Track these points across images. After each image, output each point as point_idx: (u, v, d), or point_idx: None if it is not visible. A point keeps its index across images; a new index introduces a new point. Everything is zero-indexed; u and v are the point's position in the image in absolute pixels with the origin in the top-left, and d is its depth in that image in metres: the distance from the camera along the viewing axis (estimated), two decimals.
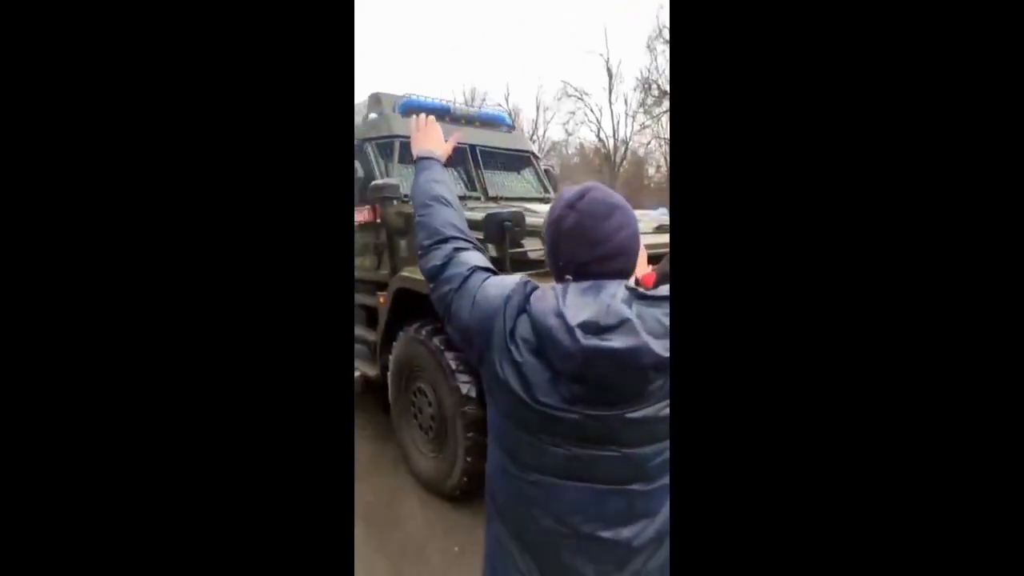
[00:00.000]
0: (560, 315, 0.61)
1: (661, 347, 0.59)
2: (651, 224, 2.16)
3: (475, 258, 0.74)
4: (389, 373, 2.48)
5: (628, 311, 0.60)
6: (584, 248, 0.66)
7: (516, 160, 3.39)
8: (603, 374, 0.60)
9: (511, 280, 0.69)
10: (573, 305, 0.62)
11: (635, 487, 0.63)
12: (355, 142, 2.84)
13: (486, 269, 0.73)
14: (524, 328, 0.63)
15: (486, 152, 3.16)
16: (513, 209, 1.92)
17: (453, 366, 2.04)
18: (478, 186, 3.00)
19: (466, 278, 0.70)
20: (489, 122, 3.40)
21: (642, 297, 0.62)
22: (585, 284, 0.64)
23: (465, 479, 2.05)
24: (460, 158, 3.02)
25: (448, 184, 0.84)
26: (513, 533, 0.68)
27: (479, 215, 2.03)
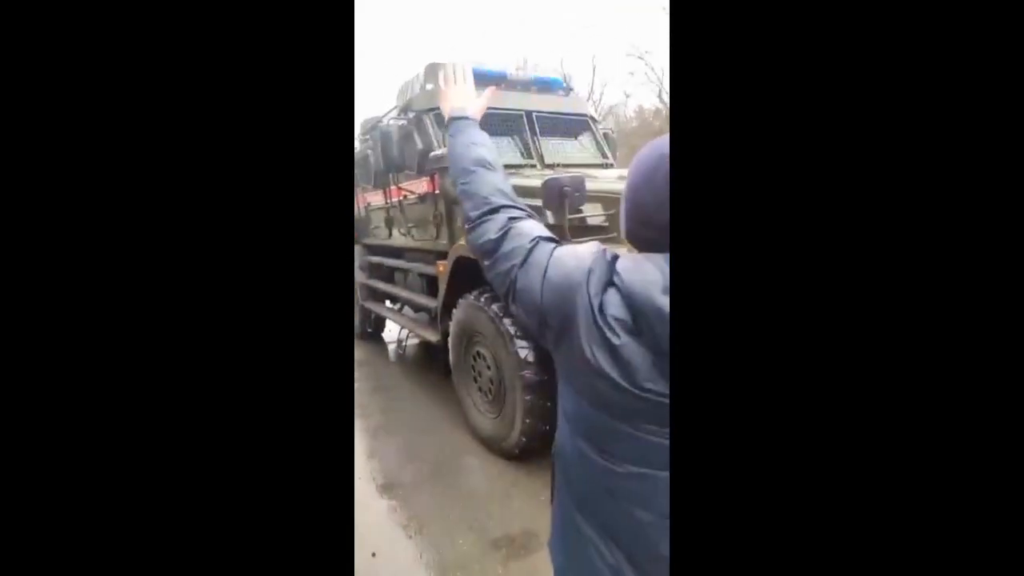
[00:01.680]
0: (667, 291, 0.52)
1: None
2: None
3: (535, 227, 0.65)
4: (450, 338, 2.59)
5: None
6: (655, 207, 0.55)
7: (574, 125, 3.30)
8: None
9: (586, 250, 0.60)
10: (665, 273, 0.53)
11: None
12: (413, 113, 2.90)
13: (549, 239, 0.64)
14: (614, 305, 0.55)
15: (542, 118, 3.10)
16: (573, 174, 1.90)
17: (512, 332, 2.09)
18: (534, 153, 2.96)
19: (530, 251, 0.62)
20: (545, 86, 3.32)
21: None
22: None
23: (524, 439, 2.14)
24: (516, 125, 2.99)
25: (489, 146, 0.74)
26: (596, 523, 0.62)
27: (536, 182, 2.03)
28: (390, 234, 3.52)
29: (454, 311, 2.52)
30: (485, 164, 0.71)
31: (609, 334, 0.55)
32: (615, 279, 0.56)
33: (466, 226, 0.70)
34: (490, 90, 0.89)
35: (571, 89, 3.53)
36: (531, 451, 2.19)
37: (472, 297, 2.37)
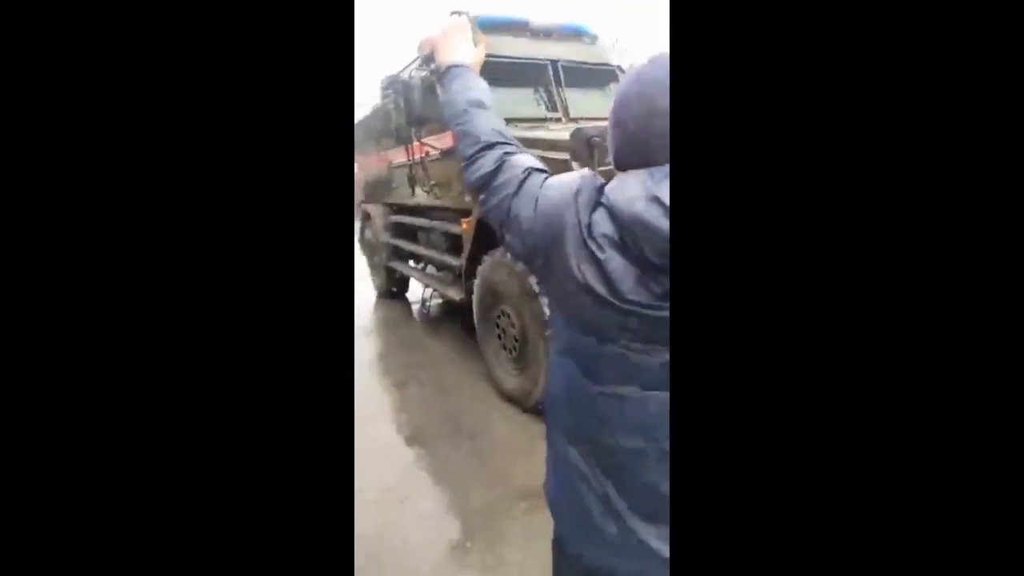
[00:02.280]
0: (655, 198, 0.53)
1: None
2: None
3: (528, 160, 0.66)
4: (474, 297, 2.60)
5: None
6: (655, 123, 0.56)
7: (600, 75, 3.14)
8: None
9: (576, 175, 0.61)
10: (666, 187, 0.53)
11: None
12: (434, 64, 2.79)
13: (541, 170, 0.65)
14: (603, 223, 0.56)
15: (568, 68, 2.95)
16: (601, 124, 1.82)
17: (536, 290, 2.08)
18: (559, 106, 2.84)
19: (523, 180, 0.63)
20: (570, 34, 3.15)
21: None
22: (668, 167, 0.55)
23: None
24: (540, 75, 2.86)
25: (485, 90, 0.75)
26: (586, 453, 0.64)
27: (563, 135, 1.95)
28: (413, 192, 3.48)
29: (479, 269, 2.52)
30: (479, 105, 0.72)
31: (595, 249, 0.56)
32: (603, 200, 0.58)
33: (463, 164, 0.72)
34: (487, 40, 0.91)
35: (597, 37, 3.33)
36: None
37: (498, 255, 2.35)
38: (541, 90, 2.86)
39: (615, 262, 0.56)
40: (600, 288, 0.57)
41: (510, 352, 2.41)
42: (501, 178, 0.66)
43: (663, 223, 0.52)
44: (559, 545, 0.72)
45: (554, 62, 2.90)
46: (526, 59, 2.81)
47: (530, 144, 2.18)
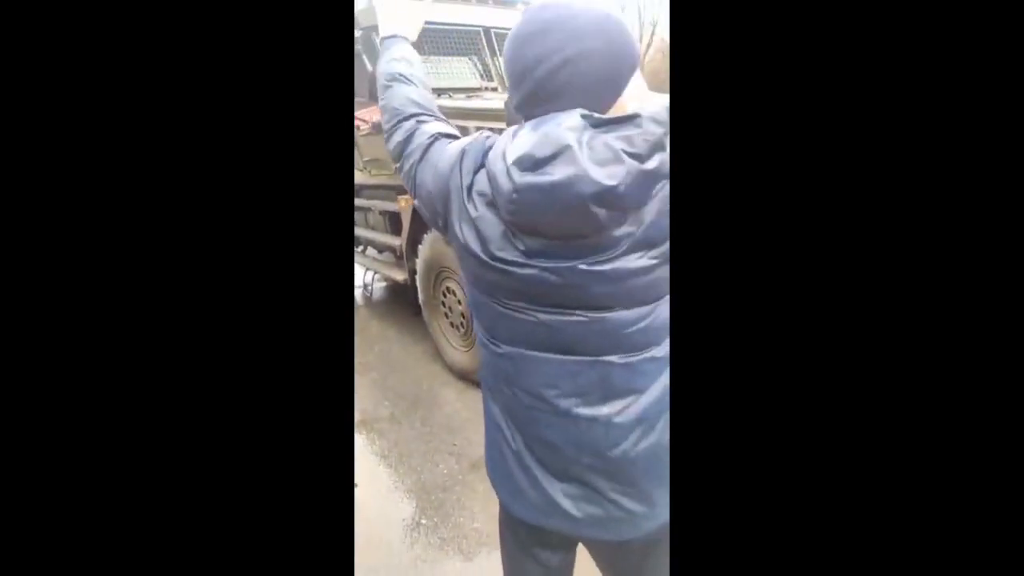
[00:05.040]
0: (503, 156, 0.53)
1: (605, 175, 0.48)
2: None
3: (439, 127, 0.68)
4: (418, 276, 2.54)
5: (570, 138, 0.50)
6: (513, 82, 0.56)
7: None
8: (540, 213, 0.51)
9: (469, 138, 0.61)
10: (517, 143, 0.53)
11: (611, 359, 0.56)
12: (360, 31, 2.63)
13: (450, 135, 0.66)
14: (482, 183, 0.56)
15: (502, 35, 2.88)
16: None
17: None
18: (495, 75, 2.78)
19: (428, 147, 0.65)
20: (504, 1, 3.06)
21: (600, 124, 0.51)
22: (538, 120, 0.54)
23: None
24: (473, 43, 2.77)
25: (410, 60, 0.76)
26: (501, 408, 0.65)
27: (498, 104, 1.91)
28: None
29: (419, 247, 2.45)
30: (399, 78, 0.73)
31: (470, 207, 0.57)
32: (485, 160, 0.57)
33: (384, 138, 0.73)
34: (423, 4, 0.93)
35: (531, 2, 3.27)
36: None
37: (437, 231, 2.29)
38: (475, 59, 2.78)
39: (486, 220, 0.56)
40: (475, 246, 0.57)
41: (458, 328, 2.39)
42: (411, 146, 0.67)
43: (504, 179, 0.52)
44: (503, 506, 0.73)
45: (487, 29, 2.81)
46: (455, 25, 2.70)
47: (466, 115, 2.11)
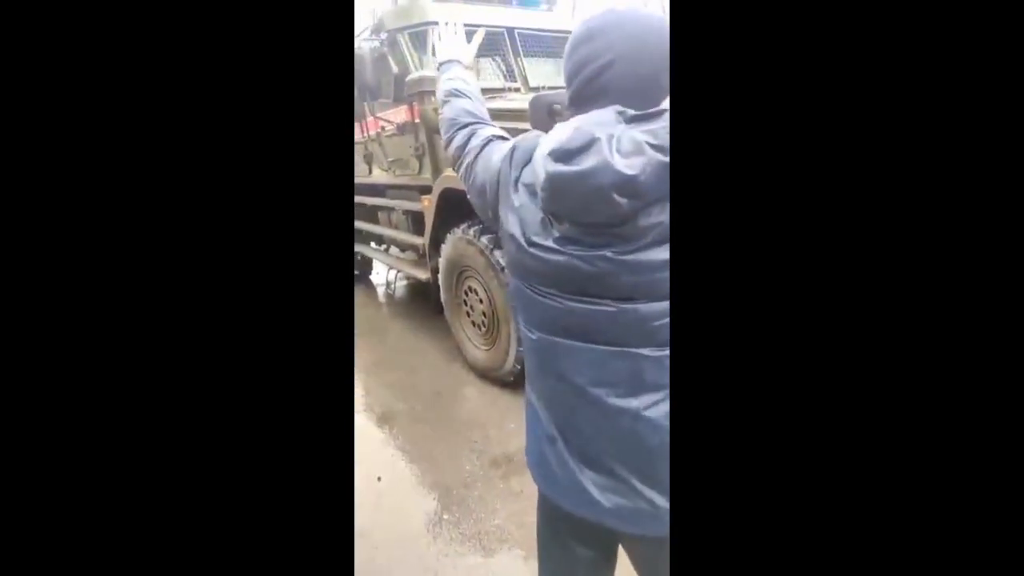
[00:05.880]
0: (542, 148, 0.58)
1: (626, 165, 0.51)
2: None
3: (491, 131, 0.76)
4: (440, 275, 2.57)
5: (600, 132, 0.53)
6: (567, 81, 0.61)
7: (559, 42, 3.09)
8: (568, 200, 0.55)
9: (522, 136, 0.66)
10: (555, 136, 0.57)
11: (643, 351, 0.57)
12: (384, 33, 2.67)
13: (502, 138, 0.73)
14: (528, 175, 0.62)
15: (525, 36, 2.88)
16: (562, 91, 1.79)
17: (503, 263, 2.08)
18: (518, 75, 2.79)
19: (482, 147, 0.72)
20: (527, 1, 3.07)
21: (631, 119, 0.53)
22: (580, 116, 0.57)
23: (518, 366, 2.19)
24: (496, 44, 2.78)
25: (465, 78, 0.86)
26: (537, 394, 0.68)
27: (521, 104, 1.92)
28: (370, 171, 3.36)
29: (442, 247, 2.48)
30: (455, 93, 0.83)
31: (514, 197, 0.63)
32: (532, 156, 0.61)
33: (444, 147, 0.83)
34: (480, 32, 1.02)
35: (555, 3, 3.27)
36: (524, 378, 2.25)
37: (460, 231, 2.32)
38: (499, 59, 2.79)
39: (527, 208, 0.61)
40: (516, 231, 0.62)
41: (479, 328, 2.41)
42: (467, 149, 0.75)
43: (540, 169, 0.57)
44: (541, 495, 0.76)
45: (510, 30, 2.82)
46: (479, 26, 2.72)
47: (491, 116, 2.13)
